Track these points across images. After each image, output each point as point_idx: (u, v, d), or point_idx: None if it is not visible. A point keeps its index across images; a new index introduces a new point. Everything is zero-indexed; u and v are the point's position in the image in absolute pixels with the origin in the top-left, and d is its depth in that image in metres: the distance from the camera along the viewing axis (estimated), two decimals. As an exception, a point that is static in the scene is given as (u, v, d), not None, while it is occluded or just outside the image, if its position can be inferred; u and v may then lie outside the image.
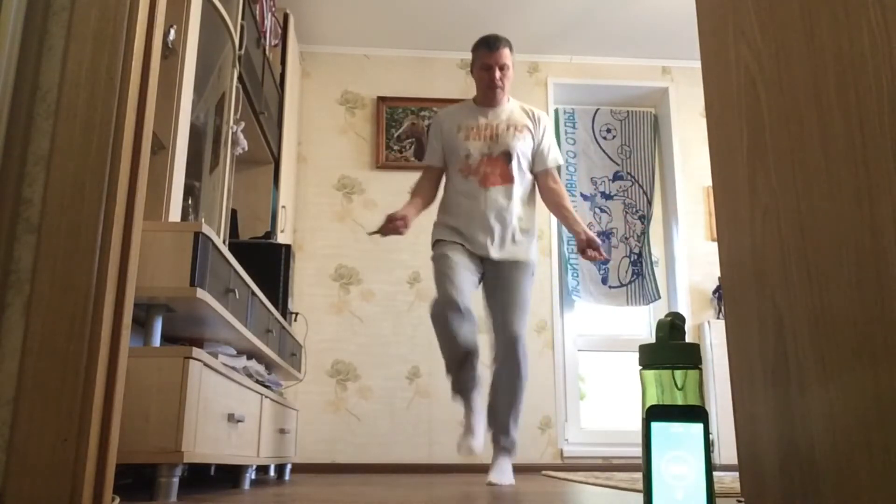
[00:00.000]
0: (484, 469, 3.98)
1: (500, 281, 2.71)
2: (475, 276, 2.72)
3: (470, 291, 2.65)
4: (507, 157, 2.76)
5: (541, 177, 2.85)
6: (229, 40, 2.73)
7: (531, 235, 2.80)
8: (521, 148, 2.78)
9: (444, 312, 2.57)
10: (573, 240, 4.53)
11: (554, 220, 4.44)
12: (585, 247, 2.74)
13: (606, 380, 4.56)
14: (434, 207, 2.92)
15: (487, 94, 2.84)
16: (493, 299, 2.72)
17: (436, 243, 2.79)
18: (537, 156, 2.84)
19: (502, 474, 2.59)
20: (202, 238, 1.77)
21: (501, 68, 2.79)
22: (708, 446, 0.84)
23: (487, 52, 2.80)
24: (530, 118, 2.86)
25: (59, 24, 1.14)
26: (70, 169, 1.09)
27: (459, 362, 2.63)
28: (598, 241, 2.76)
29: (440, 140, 2.87)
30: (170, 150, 2.07)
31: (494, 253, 2.71)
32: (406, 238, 4.36)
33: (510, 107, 2.88)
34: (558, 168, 2.93)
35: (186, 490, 2.05)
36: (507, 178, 2.75)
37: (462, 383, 2.68)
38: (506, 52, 2.80)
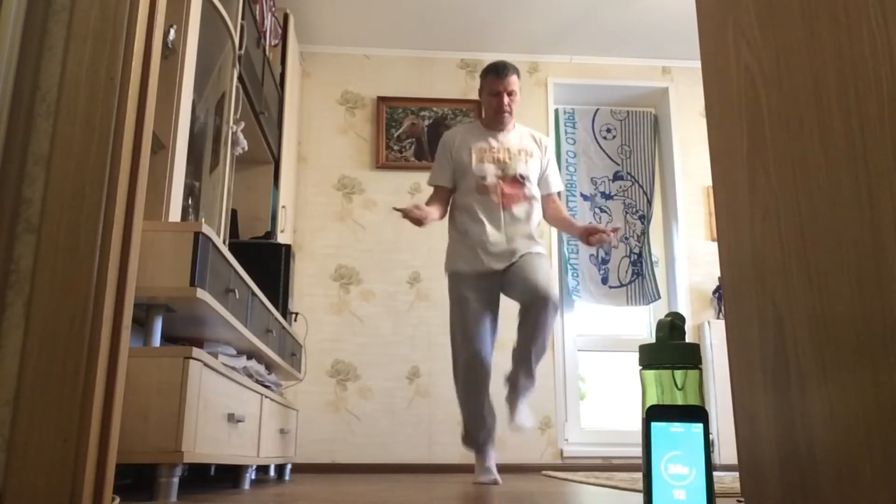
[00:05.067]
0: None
1: (520, 265, 2.77)
2: (495, 310, 2.82)
3: (490, 340, 2.78)
4: (521, 179, 2.87)
5: (544, 200, 2.99)
6: (229, 40, 2.73)
7: (542, 246, 2.92)
8: (531, 172, 2.90)
9: (469, 370, 2.71)
10: (573, 240, 4.55)
11: (554, 220, 4.45)
12: (588, 235, 2.80)
13: (606, 380, 4.56)
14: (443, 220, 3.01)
15: (496, 119, 2.93)
16: (517, 281, 2.75)
17: (452, 275, 2.85)
18: (542, 181, 2.97)
19: (523, 416, 2.73)
20: (202, 238, 1.77)
21: (509, 94, 2.89)
22: (708, 446, 0.84)
23: (496, 78, 2.89)
24: (537, 144, 2.98)
25: (59, 24, 1.14)
26: (70, 169, 1.09)
27: (479, 419, 2.77)
28: (599, 225, 2.85)
29: (449, 161, 2.94)
30: (170, 150, 2.07)
31: (508, 262, 2.79)
32: (406, 238, 4.37)
33: (518, 132, 2.98)
34: (559, 193, 3.06)
35: (186, 490, 2.05)
36: (523, 198, 2.85)
37: (480, 439, 2.80)
38: (513, 78, 2.90)
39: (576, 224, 2.94)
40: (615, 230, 2.82)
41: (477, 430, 2.78)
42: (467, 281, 2.78)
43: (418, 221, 2.70)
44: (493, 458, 2.82)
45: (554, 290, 2.66)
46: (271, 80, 3.64)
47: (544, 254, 2.87)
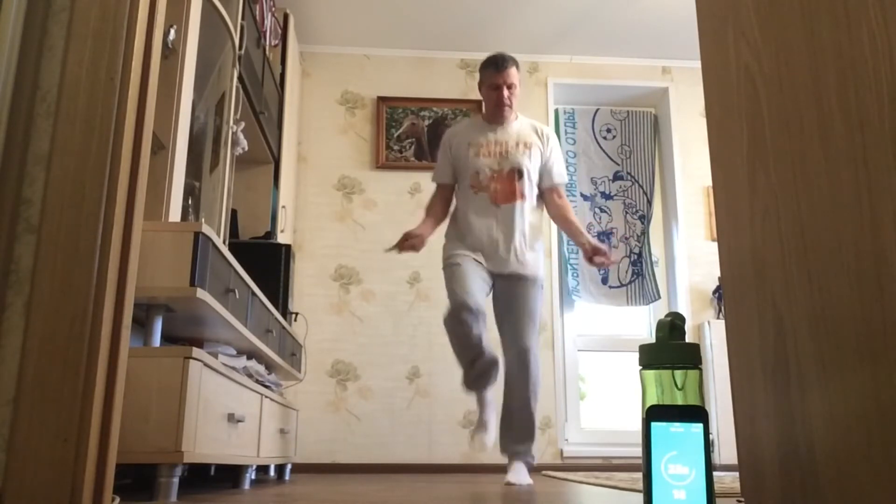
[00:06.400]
0: (485, 469, 3.99)
1: (510, 295, 2.78)
2: (486, 284, 2.79)
3: (481, 294, 2.71)
4: (518, 173, 2.83)
5: (547, 193, 2.94)
6: (229, 40, 2.73)
7: (539, 251, 2.88)
8: (530, 165, 2.85)
9: (457, 315, 2.64)
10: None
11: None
12: (592, 255, 2.81)
13: (606, 380, 4.56)
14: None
15: (496, 113, 2.90)
16: (504, 313, 2.79)
17: (446, 258, 2.85)
18: (544, 172, 2.92)
19: (519, 475, 2.66)
20: (202, 238, 1.77)
21: (509, 87, 2.87)
22: (708, 446, 0.84)
23: (495, 71, 2.87)
24: (538, 135, 2.93)
25: (59, 24, 1.14)
26: (70, 169, 1.09)
27: (472, 360, 2.70)
28: (604, 247, 2.83)
29: (449, 157, 2.93)
30: (170, 150, 2.07)
31: (504, 268, 2.78)
32: (406, 238, 4.37)
33: (518, 124, 2.95)
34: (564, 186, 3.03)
35: (186, 490, 2.05)
36: (518, 195, 2.82)
37: (475, 379, 2.75)
38: (513, 71, 2.88)
39: (583, 234, 2.89)
40: (618, 260, 2.87)
41: (468, 362, 2.70)
42: (461, 256, 2.78)
43: (413, 248, 2.73)
44: (493, 409, 2.79)
45: (534, 340, 2.69)
46: (271, 80, 3.64)
47: (539, 275, 2.81)
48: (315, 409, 4.11)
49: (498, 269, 2.78)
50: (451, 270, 2.76)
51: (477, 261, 2.78)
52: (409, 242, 2.73)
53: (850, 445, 0.79)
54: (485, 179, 2.81)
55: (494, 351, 2.72)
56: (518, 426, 2.72)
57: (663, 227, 4.74)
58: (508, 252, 2.77)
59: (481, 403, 2.79)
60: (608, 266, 2.85)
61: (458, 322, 2.63)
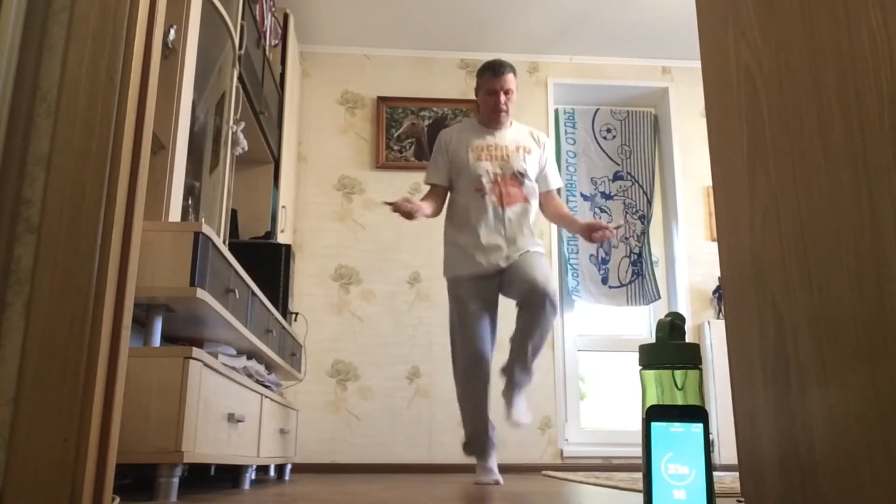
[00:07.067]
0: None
1: (518, 264, 2.76)
2: (494, 313, 2.81)
3: (490, 341, 2.77)
4: (520, 176, 2.86)
5: (544, 197, 2.98)
6: (229, 40, 2.73)
7: (541, 248, 2.91)
8: (530, 169, 2.89)
9: (470, 371, 2.70)
10: (573, 240, 4.55)
11: (554, 220, 4.45)
12: (590, 231, 2.81)
13: (606, 380, 4.56)
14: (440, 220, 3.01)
15: (492, 118, 2.92)
16: (514, 279, 2.74)
17: (450, 280, 2.86)
18: (540, 178, 2.96)
19: (521, 413, 2.71)
20: (202, 238, 1.77)
21: (506, 93, 2.89)
22: (708, 446, 0.84)
23: (493, 77, 2.89)
24: (535, 140, 2.97)
25: (59, 24, 1.14)
26: (70, 169, 1.09)
27: (482, 425, 2.74)
28: (598, 221, 2.86)
29: (446, 159, 2.94)
30: (170, 150, 2.07)
31: (507, 261, 2.78)
32: (406, 238, 4.37)
33: (515, 129, 2.98)
34: (558, 189, 3.07)
35: (186, 490, 2.05)
36: (522, 198, 2.85)
37: (482, 446, 2.76)
38: (510, 77, 2.90)
39: (577, 220, 2.93)
40: (618, 227, 2.87)
41: (479, 436, 2.74)
42: (465, 284, 2.78)
43: (409, 215, 2.69)
44: (495, 458, 2.80)
45: (553, 286, 2.64)
46: (271, 80, 3.64)
47: (542, 252, 2.86)
48: (315, 409, 4.11)
49: (500, 264, 2.77)
50: (457, 309, 2.77)
51: (481, 279, 2.77)
52: (406, 206, 2.69)
53: (850, 445, 0.79)
54: (489, 183, 2.82)
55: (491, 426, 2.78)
56: (523, 359, 2.69)
57: (663, 227, 4.74)
58: (513, 248, 2.78)
59: (484, 460, 2.76)
60: (610, 238, 2.84)
61: (470, 377, 2.69)
